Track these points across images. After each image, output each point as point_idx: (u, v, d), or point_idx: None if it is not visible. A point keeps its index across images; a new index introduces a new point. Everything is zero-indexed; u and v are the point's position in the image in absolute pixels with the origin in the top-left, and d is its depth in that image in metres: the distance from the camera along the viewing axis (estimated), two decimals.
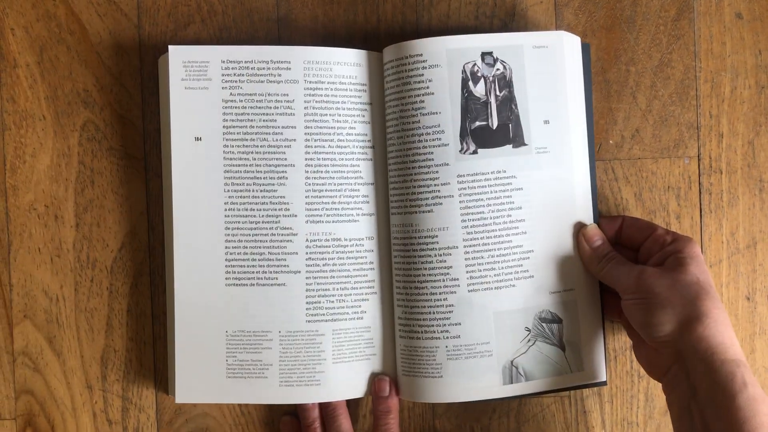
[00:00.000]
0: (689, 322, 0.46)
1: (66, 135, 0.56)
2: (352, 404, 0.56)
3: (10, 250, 0.56)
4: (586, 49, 0.55)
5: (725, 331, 0.46)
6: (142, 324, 0.56)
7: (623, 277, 0.49)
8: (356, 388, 0.54)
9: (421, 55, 0.51)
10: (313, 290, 0.53)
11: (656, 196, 0.57)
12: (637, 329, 0.49)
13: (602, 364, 0.54)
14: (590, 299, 0.54)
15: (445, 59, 0.51)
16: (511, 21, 0.56)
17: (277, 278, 0.53)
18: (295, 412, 0.56)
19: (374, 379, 0.54)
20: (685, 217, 0.57)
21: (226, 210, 0.53)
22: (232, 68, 0.52)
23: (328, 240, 0.53)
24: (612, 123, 0.57)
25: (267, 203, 0.53)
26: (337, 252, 0.53)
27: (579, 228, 0.53)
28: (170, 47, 0.53)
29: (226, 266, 0.53)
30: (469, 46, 0.52)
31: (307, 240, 0.53)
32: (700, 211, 0.57)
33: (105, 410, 0.56)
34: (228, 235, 0.53)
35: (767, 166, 0.57)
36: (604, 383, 0.54)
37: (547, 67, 0.53)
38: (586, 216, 0.54)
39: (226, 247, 0.53)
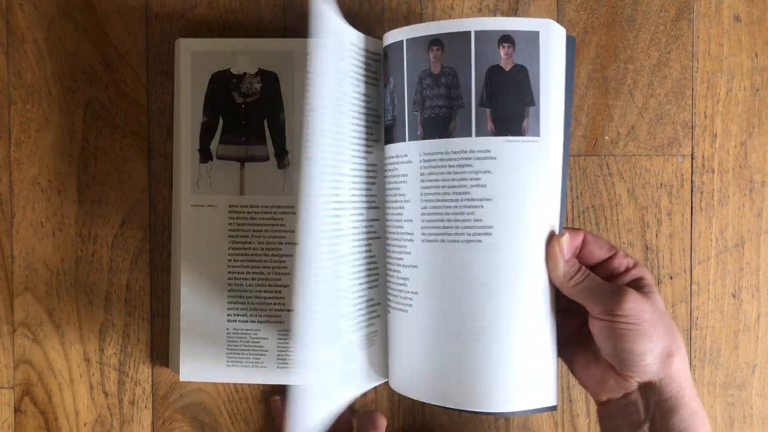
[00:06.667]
0: (669, 355, 0.45)
1: (71, 111, 0.57)
2: None
3: (13, 222, 0.56)
4: (571, 42, 0.50)
5: (687, 366, 0.46)
6: (141, 300, 0.57)
7: (606, 296, 0.45)
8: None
9: (400, 42, 0.51)
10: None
11: (649, 192, 0.58)
12: (608, 354, 0.46)
13: (554, 387, 0.49)
14: (551, 313, 0.49)
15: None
16: (513, 15, 0.57)
17: (280, 279, 0.54)
18: (288, 391, 0.57)
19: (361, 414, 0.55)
20: (676, 214, 0.58)
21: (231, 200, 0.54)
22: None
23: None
24: (608, 119, 0.58)
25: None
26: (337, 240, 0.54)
27: (551, 236, 0.48)
28: (180, 40, 0.54)
29: (228, 260, 0.54)
30: (464, 29, 0.48)
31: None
32: (691, 209, 0.58)
33: (101, 382, 0.57)
34: (231, 222, 0.54)
35: (758, 167, 0.58)
36: (553, 408, 0.49)
37: (532, 56, 0.48)
38: (555, 221, 0.49)
39: (230, 237, 0.54)
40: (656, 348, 0.45)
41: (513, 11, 0.57)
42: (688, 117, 0.58)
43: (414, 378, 0.50)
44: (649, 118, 0.58)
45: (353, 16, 0.57)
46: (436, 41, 0.48)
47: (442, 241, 0.48)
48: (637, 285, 0.47)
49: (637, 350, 0.45)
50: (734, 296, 0.58)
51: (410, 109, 0.49)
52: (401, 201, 0.50)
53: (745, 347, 0.58)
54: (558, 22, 0.57)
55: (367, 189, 0.54)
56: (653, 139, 0.58)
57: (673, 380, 0.45)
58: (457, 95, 0.48)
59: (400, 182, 0.50)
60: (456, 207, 0.47)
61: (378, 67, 0.54)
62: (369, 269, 0.54)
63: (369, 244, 0.54)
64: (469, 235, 0.47)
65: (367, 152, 0.54)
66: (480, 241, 0.47)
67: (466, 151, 0.47)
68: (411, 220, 0.49)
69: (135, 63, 0.57)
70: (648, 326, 0.45)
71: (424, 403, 0.58)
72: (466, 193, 0.47)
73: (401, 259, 0.50)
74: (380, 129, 0.55)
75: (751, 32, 0.58)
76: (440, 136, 0.48)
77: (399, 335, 0.51)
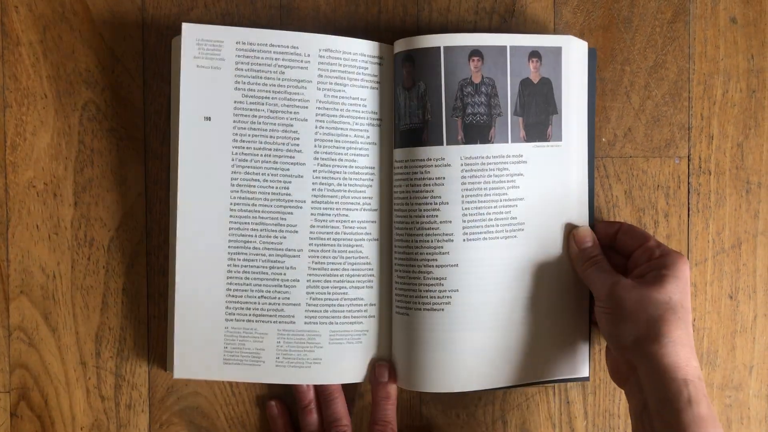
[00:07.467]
0: (646, 340, 0.47)
1: (67, 114, 0.56)
2: (349, 386, 0.57)
3: (8, 226, 0.56)
4: (592, 54, 0.56)
5: (681, 352, 0.47)
6: (137, 303, 0.57)
7: (599, 283, 0.51)
8: (353, 372, 0.55)
9: (437, 48, 0.52)
10: (313, 289, 0.54)
11: (646, 194, 0.58)
12: (603, 335, 0.51)
13: (586, 361, 0.56)
14: (578, 297, 0.55)
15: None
16: (510, 18, 0.57)
17: (278, 276, 0.54)
18: (284, 396, 0.57)
19: (374, 365, 0.55)
20: (673, 215, 0.58)
21: (231, 195, 0.53)
22: (246, 50, 0.52)
23: (335, 223, 0.54)
24: (605, 121, 0.58)
25: (274, 187, 0.53)
26: (338, 238, 0.54)
27: (571, 228, 0.54)
28: (184, 24, 0.52)
29: (228, 253, 0.54)
30: (482, 44, 0.52)
31: (311, 227, 0.54)
32: (688, 211, 0.58)
33: (98, 386, 0.57)
34: (233, 218, 0.53)
35: (755, 168, 0.58)
36: (586, 379, 0.56)
37: (556, 69, 0.53)
38: (580, 216, 0.55)
39: (230, 234, 0.53)
40: (631, 333, 0.48)
41: (510, 13, 0.57)
42: (684, 119, 0.58)
43: (454, 372, 0.53)
44: (646, 119, 0.58)
45: (350, 18, 0.57)
46: (476, 52, 0.52)
47: (484, 239, 0.52)
48: (656, 274, 0.49)
49: (615, 332, 0.49)
50: (731, 297, 0.58)
51: (448, 114, 0.52)
52: (436, 203, 0.52)
53: (742, 348, 0.58)
54: (554, 24, 0.57)
55: (362, 191, 0.54)
56: (650, 141, 0.58)
57: (651, 363, 0.47)
58: (496, 104, 0.53)
59: (435, 185, 0.52)
60: (496, 207, 0.52)
61: (379, 71, 0.54)
62: (359, 270, 0.54)
63: (360, 246, 0.54)
64: (506, 231, 0.53)
65: (362, 155, 0.54)
66: (515, 236, 0.53)
67: (503, 156, 0.53)
68: (450, 221, 0.52)
69: (131, 65, 0.57)
70: (626, 312, 0.48)
71: (421, 404, 0.58)
72: (504, 194, 0.53)
73: (435, 260, 0.52)
74: (380, 132, 0.54)
75: (747, 34, 0.58)
76: (482, 142, 0.52)
77: (431, 334, 0.53)
